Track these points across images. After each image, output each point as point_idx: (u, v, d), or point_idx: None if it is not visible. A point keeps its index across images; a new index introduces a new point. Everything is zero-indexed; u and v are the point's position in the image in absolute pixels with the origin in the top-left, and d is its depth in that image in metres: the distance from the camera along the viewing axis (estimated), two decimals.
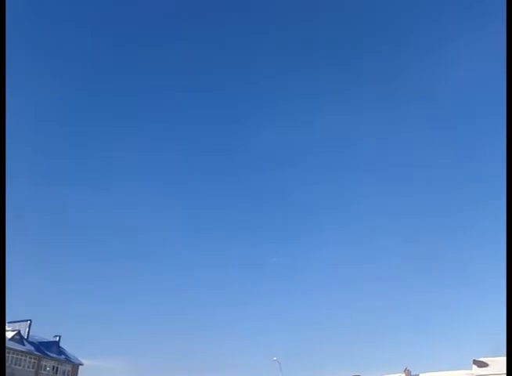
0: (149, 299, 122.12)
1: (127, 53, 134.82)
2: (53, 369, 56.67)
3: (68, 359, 59.32)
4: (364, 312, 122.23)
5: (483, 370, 55.66)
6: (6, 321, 58.51)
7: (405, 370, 61.45)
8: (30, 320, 58.95)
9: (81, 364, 60.57)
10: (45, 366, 55.52)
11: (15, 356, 52.52)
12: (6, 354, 51.29)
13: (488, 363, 56.40)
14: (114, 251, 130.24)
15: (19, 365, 52.52)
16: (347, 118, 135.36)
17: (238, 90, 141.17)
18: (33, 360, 54.54)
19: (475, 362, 57.23)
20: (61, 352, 59.60)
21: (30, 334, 58.02)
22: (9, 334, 54.67)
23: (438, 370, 61.24)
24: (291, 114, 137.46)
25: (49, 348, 57.98)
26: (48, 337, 60.44)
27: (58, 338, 60.86)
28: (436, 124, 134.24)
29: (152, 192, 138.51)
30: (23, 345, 55.01)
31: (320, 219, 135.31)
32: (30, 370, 53.71)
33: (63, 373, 57.96)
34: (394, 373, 62.84)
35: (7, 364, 50.53)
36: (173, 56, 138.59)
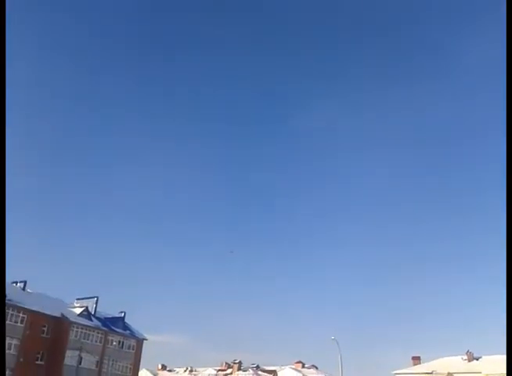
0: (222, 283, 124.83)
1: None
2: (119, 343, 59.57)
3: (133, 334, 62.11)
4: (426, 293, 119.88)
5: None
6: (75, 298, 62.37)
7: (468, 352, 59.59)
8: (96, 297, 62.03)
9: (145, 339, 63.28)
10: (112, 340, 58.39)
11: (83, 330, 55.61)
12: (76, 329, 54.59)
13: None
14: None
15: (88, 339, 55.59)
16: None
17: None
18: (100, 335, 57.58)
19: None
20: (126, 327, 62.40)
21: (97, 310, 61.17)
22: (77, 310, 58.02)
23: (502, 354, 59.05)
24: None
25: (115, 324, 60.85)
26: (114, 313, 63.35)
27: (123, 314, 63.58)
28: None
29: None
30: (91, 320, 58.12)
31: None
32: (98, 344, 56.77)
33: (128, 347, 60.84)
34: (456, 355, 61.09)
35: (76, 338, 53.80)
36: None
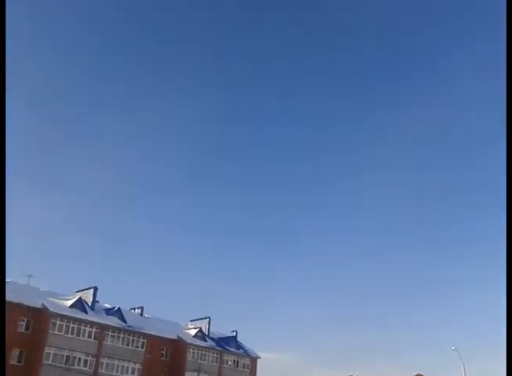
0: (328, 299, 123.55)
1: None
2: (234, 363, 60.66)
3: (246, 353, 62.91)
4: None
5: None
6: (189, 320, 64.54)
7: None
8: (209, 317, 63.83)
9: (259, 357, 63.80)
10: (227, 360, 59.70)
11: (199, 351, 57.43)
12: (192, 350, 56.48)
13: None
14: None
15: (204, 360, 57.23)
16: None
17: None
18: (215, 355, 59.05)
19: None
20: (239, 346, 63.38)
21: (210, 330, 62.89)
22: (192, 332, 60.03)
23: None
24: None
25: (228, 343, 62.11)
26: (226, 332, 64.74)
27: (235, 333, 64.73)
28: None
29: None
30: (205, 341, 59.86)
31: None
32: (214, 364, 58.23)
33: (243, 366, 61.67)
34: None
35: (193, 360, 55.60)
36: None
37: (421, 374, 71.59)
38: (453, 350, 53.42)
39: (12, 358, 43.24)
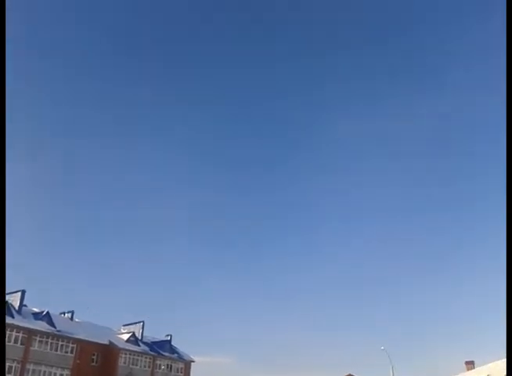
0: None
1: None
2: (167, 367, 60.17)
3: (180, 357, 62.62)
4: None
5: None
6: (122, 324, 63.45)
7: None
8: (142, 322, 63.07)
9: (193, 361, 63.68)
10: (160, 364, 59.12)
11: (132, 356, 56.59)
12: (124, 355, 55.59)
13: None
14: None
15: (136, 365, 56.47)
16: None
17: None
18: (148, 360, 58.40)
19: None
20: (173, 350, 63.01)
21: (144, 334, 62.11)
22: (124, 336, 59.08)
23: None
24: None
25: (162, 348, 61.59)
26: (160, 336, 64.16)
27: (169, 337, 64.21)
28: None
29: None
30: (138, 345, 59.07)
31: None
32: (146, 369, 57.58)
33: (177, 370, 61.34)
34: None
35: (125, 365, 54.74)
36: None
37: (351, 374, 74.03)
38: (382, 350, 56.02)
39: None
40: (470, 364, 58.64)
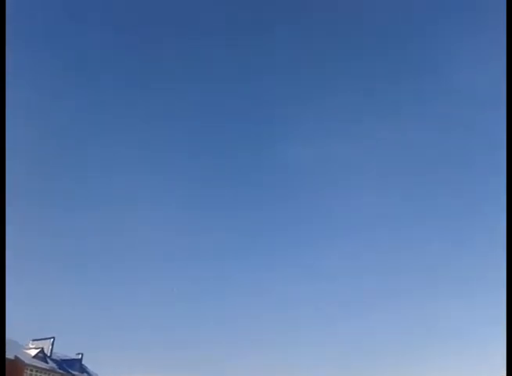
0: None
1: None
2: None
3: None
4: None
5: None
6: (30, 339, 59.83)
7: None
8: (53, 338, 59.67)
9: None
10: None
11: (38, 373, 53.19)
12: (30, 372, 52.17)
13: None
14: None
15: None
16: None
17: None
18: None
19: None
20: (83, 369, 60.20)
21: (54, 351, 58.82)
22: (32, 352, 55.58)
23: None
24: None
25: (72, 366, 58.61)
26: (71, 354, 61.10)
27: (80, 356, 61.36)
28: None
29: None
30: (47, 362, 55.75)
31: None
32: None
33: None
34: None
35: None
36: None
37: None
38: None
39: None
40: None
